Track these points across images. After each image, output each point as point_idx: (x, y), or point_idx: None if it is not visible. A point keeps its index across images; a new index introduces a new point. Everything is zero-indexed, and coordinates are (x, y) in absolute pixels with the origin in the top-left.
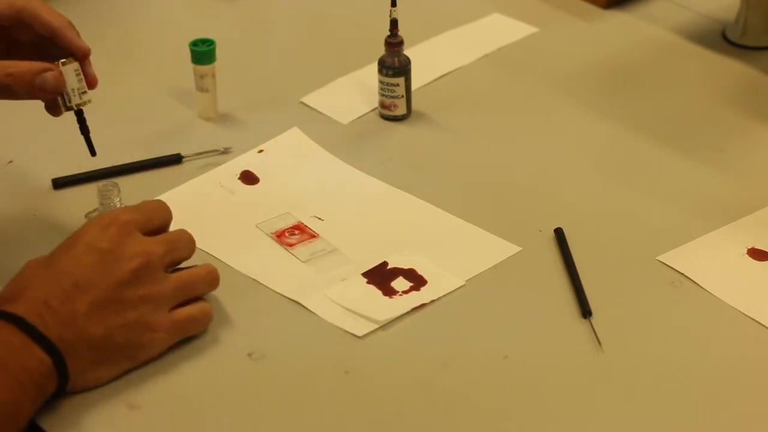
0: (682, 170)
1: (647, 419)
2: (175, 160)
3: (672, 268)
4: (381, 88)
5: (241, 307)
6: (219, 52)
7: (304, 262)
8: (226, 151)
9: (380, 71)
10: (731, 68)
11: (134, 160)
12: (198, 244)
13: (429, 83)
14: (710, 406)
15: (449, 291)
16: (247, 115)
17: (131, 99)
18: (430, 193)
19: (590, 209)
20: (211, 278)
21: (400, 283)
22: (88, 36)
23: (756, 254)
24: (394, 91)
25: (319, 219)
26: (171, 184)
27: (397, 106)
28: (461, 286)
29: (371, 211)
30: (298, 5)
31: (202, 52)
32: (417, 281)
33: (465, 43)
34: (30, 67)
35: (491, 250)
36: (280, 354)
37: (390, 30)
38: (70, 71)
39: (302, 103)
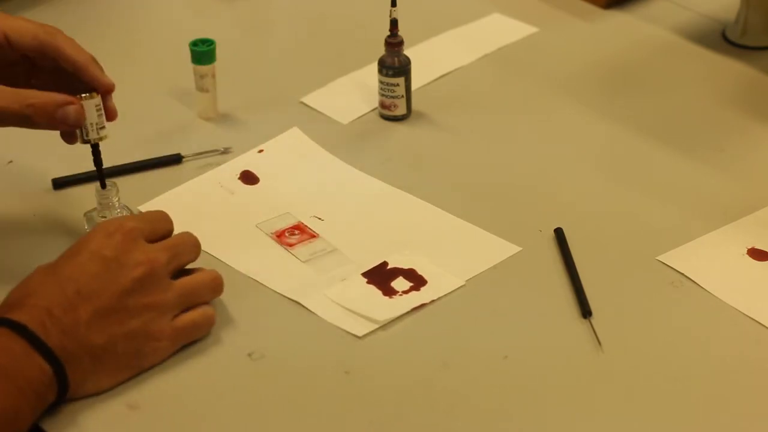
0: (682, 170)
1: (647, 419)
2: (175, 160)
3: (672, 268)
4: (381, 88)
5: (241, 307)
6: (219, 52)
7: (304, 262)
8: (226, 151)
9: (380, 71)
10: (731, 68)
11: (134, 160)
12: None
13: (429, 83)
14: (710, 406)
15: (449, 291)
16: (247, 115)
17: (131, 99)
18: (430, 193)
19: (590, 209)
20: (215, 284)
21: (400, 283)
22: (88, 36)
23: (756, 254)
24: (394, 91)
25: (319, 219)
26: (171, 184)
27: (397, 106)
28: (461, 286)
29: (371, 211)
30: (298, 5)
31: (202, 52)
32: (417, 281)
33: (465, 43)
34: (52, 99)
35: (491, 250)
36: (280, 354)
37: (390, 30)
38: (90, 106)
39: (302, 103)
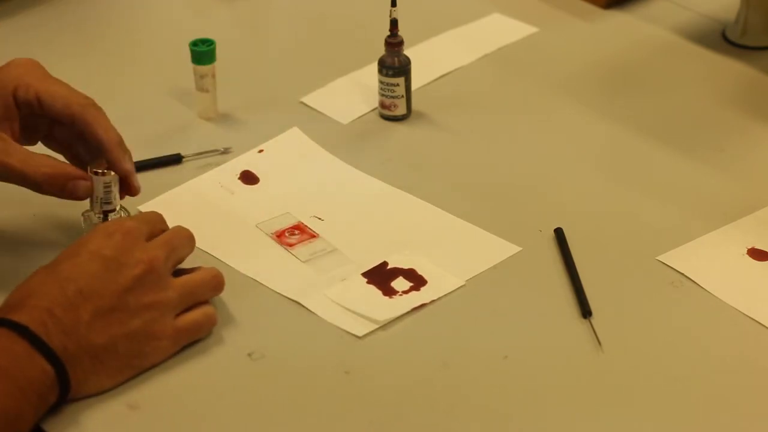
0: (682, 170)
1: (647, 419)
2: (175, 160)
3: (672, 268)
4: (381, 88)
5: (241, 307)
6: (219, 52)
7: (304, 262)
8: (226, 151)
9: (380, 71)
10: (731, 68)
11: (134, 160)
12: (198, 245)
13: (429, 83)
14: (710, 406)
15: (449, 291)
16: (247, 115)
17: (131, 99)
18: (430, 193)
19: (590, 209)
20: (216, 282)
21: (400, 283)
22: (88, 36)
23: (756, 254)
24: (394, 91)
25: (319, 219)
26: (171, 184)
27: (397, 106)
28: (461, 286)
29: (371, 211)
30: (298, 5)
31: (202, 52)
32: (417, 281)
33: (465, 43)
34: (65, 172)
35: (491, 250)
36: (280, 354)
37: (390, 30)
38: (99, 182)
39: (302, 103)
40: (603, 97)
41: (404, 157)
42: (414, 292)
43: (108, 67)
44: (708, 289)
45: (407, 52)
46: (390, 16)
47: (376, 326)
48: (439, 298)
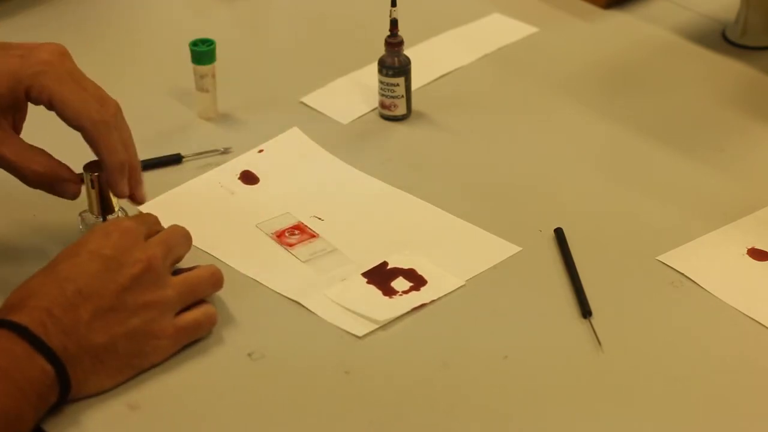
0: (682, 170)
1: (647, 419)
2: (175, 160)
3: (672, 268)
4: (381, 88)
5: (241, 307)
6: (219, 52)
7: (304, 262)
8: (226, 151)
9: (380, 71)
10: (731, 68)
11: None
12: (198, 244)
13: (429, 83)
14: (710, 406)
15: (449, 291)
16: (247, 115)
17: (131, 99)
18: (430, 193)
19: (590, 209)
20: (215, 279)
21: (400, 283)
22: (88, 36)
23: (756, 254)
24: (394, 91)
25: (319, 219)
26: (171, 184)
27: (397, 106)
28: (461, 286)
29: (371, 211)
30: (298, 5)
31: (202, 52)
32: (417, 281)
33: (465, 43)
34: (56, 174)
35: (491, 250)
36: (280, 354)
37: (390, 30)
38: (97, 183)
39: (302, 103)
40: (603, 97)
41: (404, 157)
42: (414, 292)
43: (108, 67)
44: (708, 289)
45: (407, 52)
46: (390, 16)
47: (376, 326)
48: (439, 298)
